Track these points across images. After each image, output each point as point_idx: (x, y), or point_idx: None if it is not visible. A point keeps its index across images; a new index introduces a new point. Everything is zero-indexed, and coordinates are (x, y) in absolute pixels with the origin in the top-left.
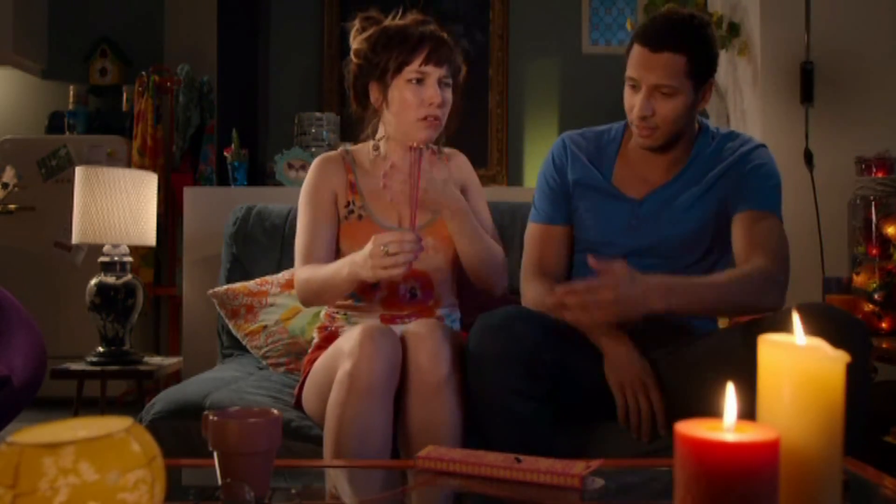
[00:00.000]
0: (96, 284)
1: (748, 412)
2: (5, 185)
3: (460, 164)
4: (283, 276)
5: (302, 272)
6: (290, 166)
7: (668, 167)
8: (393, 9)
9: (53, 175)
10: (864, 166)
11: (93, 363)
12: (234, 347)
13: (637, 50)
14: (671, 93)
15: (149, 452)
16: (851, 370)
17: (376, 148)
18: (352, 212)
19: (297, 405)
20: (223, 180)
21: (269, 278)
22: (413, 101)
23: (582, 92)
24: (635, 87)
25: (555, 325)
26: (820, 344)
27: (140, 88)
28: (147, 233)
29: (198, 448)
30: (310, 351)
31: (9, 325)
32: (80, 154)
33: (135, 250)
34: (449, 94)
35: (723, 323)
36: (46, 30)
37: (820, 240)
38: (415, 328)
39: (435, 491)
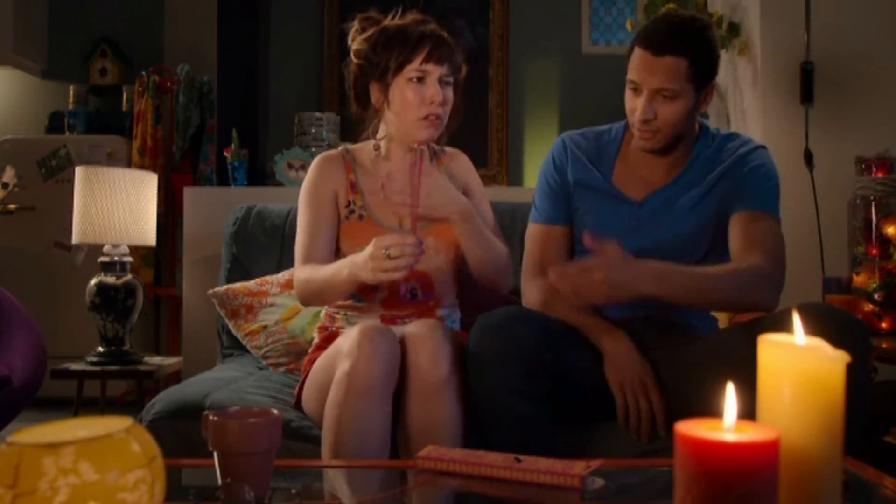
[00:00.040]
0: (96, 284)
1: (748, 412)
2: (5, 185)
3: (462, 164)
4: (283, 276)
5: (301, 272)
6: (290, 166)
7: (669, 169)
8: (392, 9)
9: (53, 175)
10: (864, 166)
11: (93, 363)
12: (234, 347)
13: (639, 53)
14: (673, 96)
15: (149, 452)
16: (851, 370)
17: (377, 147)
18: (352, 212)
19: (298, 405)
20: (223, 180)
21: (269, 278)
22: (414, 99)
23: (582, 92)
24: (637, 90)
25: (555, 325)
26: (820, 344)
27: (140, 88)
28: (147, 233)
29: (198, 448)
30: (310, 351)
31: (9, 325)
32: (80, 154)
33: (135, 250)
34: (450, 93)
35: (723, 323)
36: (46, 30)
37: (820, 240)
38: (415, 329)
39: (435, 491)
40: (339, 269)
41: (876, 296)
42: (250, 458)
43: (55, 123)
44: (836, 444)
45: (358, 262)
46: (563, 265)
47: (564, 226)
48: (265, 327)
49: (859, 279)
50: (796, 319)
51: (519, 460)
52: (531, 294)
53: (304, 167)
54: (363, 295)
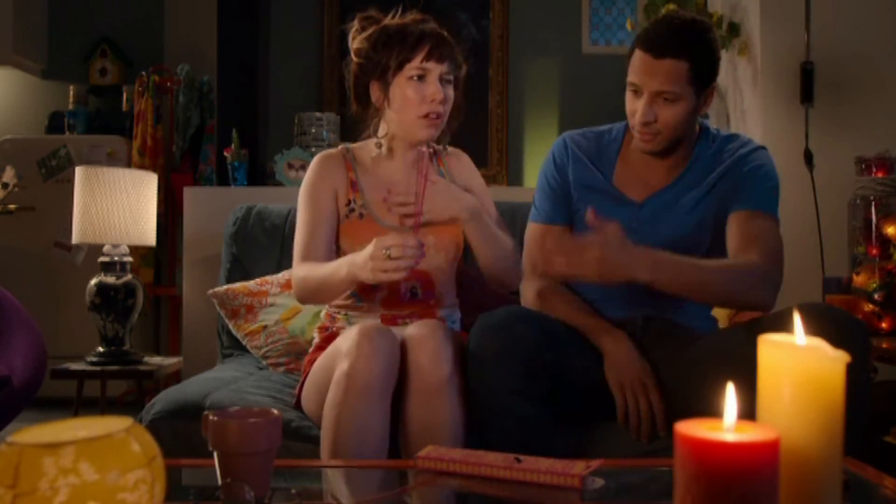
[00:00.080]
0: (96, 284)
1: (748, 412)
2: (5, 185)
3: (463, 163)
4: (283, 276)
5: (300, 270)
6: (290, 166)
7: (669, 170)
8: (392, 8)
9: (53, 175)
10: (864, 166)
11: (93, 363)
12: (234, 347)
13: (639, 56)
14: (673, 99)
15: (149, 452)
16: (851, 370)
17: (379, 145)
18: (352, 210)
19: (298, 405)
20: (223, 180)
21: (269, 278)
22: (415, 98)
23: (582, 92)
24: (637, 93)
25: (555, 326)
26: (820, 344)
27: (140, 88)
28: (147, 233)
29: (198, 448)
30: (310, 351)
31: (9, 325)
32: (80, 154)
33: (135, 250)
34: (451, 91)
35: (723, 323)
36: (46, 30)
37: (820, 240)
38: (416, 329)
39: (435, 491)
40: (338, 268)
41: (876, 296)
42: (250, 458)
43: (55, 123)
44: (836, 444)
45: (357, 262)
46: (561, 241)
47: (564, 226)
48: (265, 327)
49: (859, 279)
50: (796, 319)
51: (519, 460)
52: (530, 294)
53: (304, 167)
54: (363, 294)
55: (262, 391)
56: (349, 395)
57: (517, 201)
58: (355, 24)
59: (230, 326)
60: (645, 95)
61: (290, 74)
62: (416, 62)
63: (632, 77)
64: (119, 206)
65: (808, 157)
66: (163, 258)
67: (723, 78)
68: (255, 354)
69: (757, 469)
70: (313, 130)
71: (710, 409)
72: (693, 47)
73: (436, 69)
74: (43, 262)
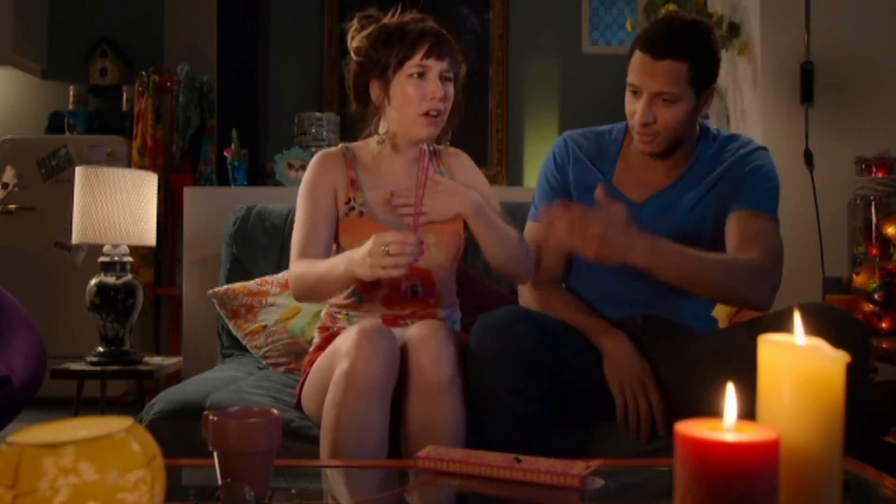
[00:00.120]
0: (96, 284)
1: (748, 412)
2: (5, 185)
3: (463, 162)
4: (283, 276)
5: (297, 266)
6: (290, 166)
7: (669, 170)
8: (392, 8)
9: (53, 175)
10: (864, 166)
11: (93, 363)
12: (234, 347)
13: (638, 56)
14: (673, 100)
15: (149, 452)
16: (851, 370)
17: (381, 141)
18: (352, 208)
19: (298, 405)
20: (223, 180)
21: (269, 278)
22: (415, 95)
23: (582, 92)
24: (636, 94)
25: (554, 325)
26: (820, 344)
27: (140, 88)
28: (147, 233)
29: (198, 448)
30: (310, 351)
31: (9, 325)
32: (80, 154)
33: (135, 250)
34: (451, 89)
35: (723, 323)
36: (46, 30)
37: (820, 240)
38: (418, 330)
39: (435, 491)
40: (336, 265)
41: (876, 296)
42: (250, 458)
43: (55, 123)
44: (836, 444)
45: (356, 259)
46: (568, 206)
47: None
48: (265, 327)
49: (859, 279)
50: (796, 319)
51: (519, 460)
52: (529, 294)
53: (304, 167)
54: (364, 293)
55: (262, 391)
56: (349, 395)
57: (517, 201)
58: (355, 24)
59: (230, 326)
60: (644, 96)
61: (290, 74)
62: (417, 59)
63: (631, 78)
64: (119, 206)
65: (808, 157)
66: (163, 258)
67: (723, 78)
68: (255, 354)
69: (757, 469)
70: (313, 130)
71: (710, 409)
72: (693, 48)
73: (436, 66)
74: (43, 262)
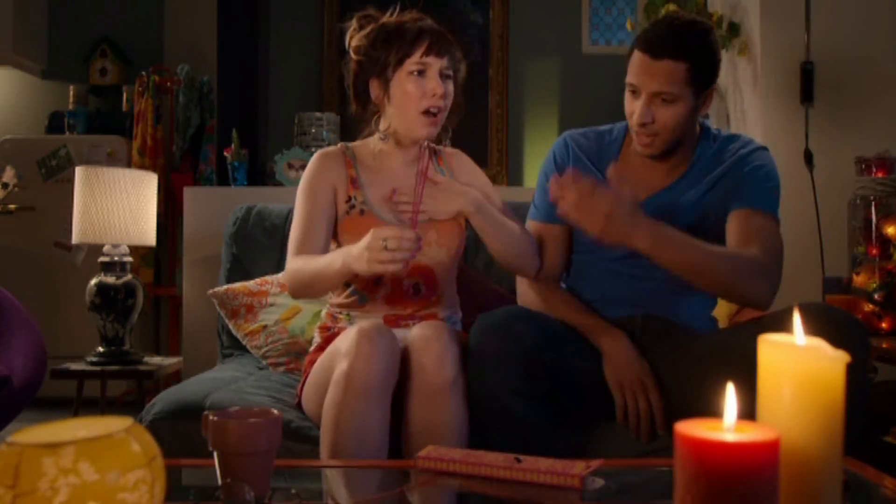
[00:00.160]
0: (96, 284)
1: (748, 412)
2: (5, 185)
3: (463, 162)
4: (283, 275)
5: (293, 262)
6: (290, 166)
7: (670, 171)
8: (391, 7)
9: (53, 175)
10: (864, 166)
11: (93, 363)
12: (234, 347)
13: (637, 56)
14: (671, 100)
15: (149, 452)
16: (851, 370)
17: (384, 138)
18: (353, 206)
19: (300, 406)
20: (223, 180)
21: (269, 278)
22: (415, 92)
23: (582, 92)
24: (635, 94)
25: (554, 325)
26: (820, 344)
27: (140, 88)
28: (147, 233)
29: (198, 448)
30: (310, 351)
31: (9, 325)
32: (80, 154)
33: (135, 250)
34: (450, 87)
35: (723, 323)
36: (46, 30)
37: (820, 240)
38: (420, 330)
39: (435, 491)
40: (333, 260)
41: (876, 296)
42: (250, 458)
43: (55, 123)
44: (836, 444)
45: (353, 253)
46: (579, 178)
47: (562, 226)
48: (265, 327)
49: (859, 279)
50: (796, 319)
51: (519, 460)
52: (526, 293)
53: (303, 167)
54: (366, 291)
55: (262, 391)
56: (348, 395)
57: (517, 201)
58: (353, 24)
59: (230, 326)
60: (643, 96)
61: (290, 74)
62: (416, 57)
63: (630, 78)
64: (119, 206)
65: (808, 157)
66: (163, 258)
67: (723, 78)
68: (255, 354)
69: (757, 469)
70: (313, 130)
71: (710, 409)
72: (692, 48)
73: (435, 63)
74: (43, 262)
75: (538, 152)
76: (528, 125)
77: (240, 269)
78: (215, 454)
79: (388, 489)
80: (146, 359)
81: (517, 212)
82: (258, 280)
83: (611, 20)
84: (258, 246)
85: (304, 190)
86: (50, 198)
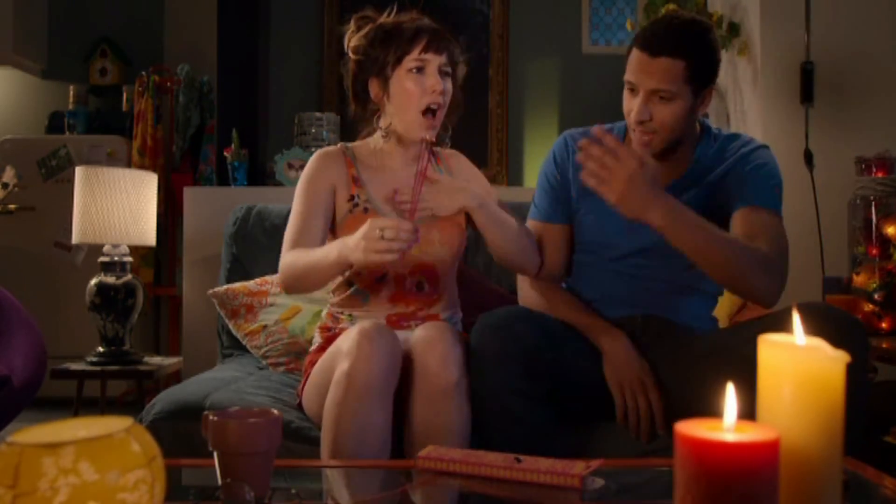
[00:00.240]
0: (96, 284)
1: (748, 412)
2: (5, 185)
3: (461, 163)
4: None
5: (287, 256)
6: (290, 166)
7: (670, 170)
8: (388, 7)
9: (53, 175)
10: (864, 166)
11: (93, 363)
12: (234, 347)
13: (635, 54)
14: (669, 97)
15: (149, 452)
16: (851, 370)
17: (385, 136)
18: (356, 205)
19: (301, 406)
20: (223, 180)
21: (269, 278)
22: (415, 90)
23: (582, 92)
24: (633, 91)
25: (555, 325)
26: (820, 344)
27: (140, 88)
28: (147, 233)
29: (198, 448)
30: (311, 351)
31: (9, 325)
32: (80, 154)
33: (135, 250)
34: (449, 84)
35: (723, 323)
36: (46, 30)
37: (820, 240)
38: (424, 331)
39: (435, 491)
40: (329, 251)
41: (876, 296)
42: (250, 458)
43: (55, 123)
44: (836, 444)
45: (350, 244)
46: (606, 135)
47: (563, 225)
48: (265, 327)
49: (859, 279)
50: (796, 319)
51: (519, 460)
52: (527, 292)
53: (304, 167)
54: (369, 290)
55: (262, 391)
56: (349, 395)
57: (517, 201)
58: (351, 26)
59: (230, 326)
60: (641, 94)
61: (290, 74)
62: (415, 54)
63: (628, 75)
64: (119, 206)
65: (808, 157)
66: (163, 258)
67: (723, 78)
68: (255, 354)
69: (757, 469)
70: (313, 130)
71: (710, 409)
72: (690, 46)
73: (434, 60)
74: (43, 262)
75: (538, 152)
76: (528, 125)
77: (240, 269)
78: (215, 454)
79: (388, 489)
80: (146, 359)
81: (517, 212)
82: (258, 280)
83: (611, 20)
84: (258, 246)
85: (302, 187)
86: (50, 198)
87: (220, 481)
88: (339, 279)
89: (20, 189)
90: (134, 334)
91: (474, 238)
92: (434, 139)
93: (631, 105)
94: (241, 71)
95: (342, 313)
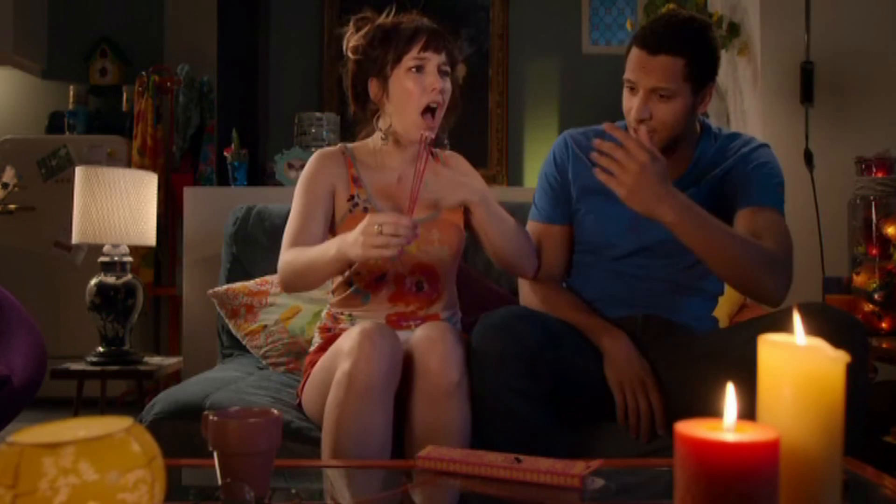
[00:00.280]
0: (96, 284)
1: (748, 412)
2: (5, 185)
3: (460, 164)
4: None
5: (286, 254)
6: (290, 166)
7: (670, 169)
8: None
9: (53, 175)
10: (864, 166)
11: (93, 363)
12: (234, 347)
13: (635, 52)
14: (669, 95)
15: (149, 452)
16: (851, 370)
17: (386, 136)
18: (356, 204)
19: (300, 406)
20: (223, 180)
21: (269, 278)
22: (415, 89)
23: (582, 92)
24: (633, 90)
25: (555, 325)
26: (820, 344)
27: (140, 88)
28: (147, 233)
29: (198, 448)
30: (311, 351)
31: (9, 325)
32: (80, 154)
33: (135, 250)
34: (448, 84)
35: (723, 323)
36: (46, 30)
37: (820, 240)
38: (425, 332)
39: (435, 491)
40: (328, 248)
41: (876, 296)
42: (250, 458)
43: (55, 123)
44: (836, 444)
45: (349, 240)
46: (619, 131)
47: (563, 226)
48: (265, 327)
49: (859, 279)
50: (796, 319)
51: (519, 460)
52: (528, 292)
53: (304, 167)
54: (369, 289)
55: (262, 391)
56: (350, 395)
57: (517, 201)
58: (350, 27)
59: (230, 326)
60: (640, 92)
61: (290, 74)
62: (414, 53)
63: (628, 74)
64: (119, 206)
65: (808, 157)
66: (163, 258)
67: (723, 78)
68: (255, 354)
69: (757, 469)
70: (313, 130)
71: (710, 409)
72: (689, 44)
73: (433, 59)
74: (43, 262)
75: (538, 152)
76: (528, 125)
77: (240, 269)
78: (215, 454)
79: (388, 489)
80: (146, 359)
81: (517, 212)
82: (258, 280)
83: (611, 20)
84: (258, 246)
85: (302, 187)
86: (50, 198)
87: (220, 481)
88: (339, 279)
89: (20, 189)
90: (134, 334)
91: (474, 238)
92: (433, 137)
93: (631, 104)
94: (240, 71)
95: (342, 313)
